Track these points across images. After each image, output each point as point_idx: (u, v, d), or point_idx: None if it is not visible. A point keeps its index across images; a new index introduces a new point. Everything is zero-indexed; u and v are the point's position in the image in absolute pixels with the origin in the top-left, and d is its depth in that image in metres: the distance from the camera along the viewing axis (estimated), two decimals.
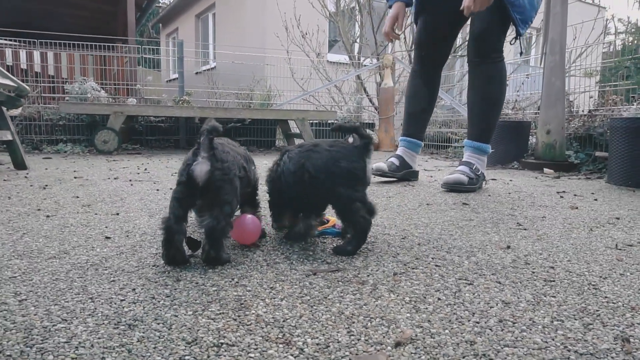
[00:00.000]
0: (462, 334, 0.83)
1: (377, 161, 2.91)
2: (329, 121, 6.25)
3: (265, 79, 7.06)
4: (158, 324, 0.85)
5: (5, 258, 1.22)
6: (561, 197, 2.40)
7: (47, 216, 1.74)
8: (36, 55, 6.63)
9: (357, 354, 0.75)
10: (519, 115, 4.93)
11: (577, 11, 5.39)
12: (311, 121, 5.80)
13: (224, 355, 0.74)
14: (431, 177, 3.25)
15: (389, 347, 0.78)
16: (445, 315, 0.91)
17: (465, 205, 2.12)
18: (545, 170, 3.62)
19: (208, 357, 0.73)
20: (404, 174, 2.90)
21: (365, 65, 7.55)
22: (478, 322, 0.88)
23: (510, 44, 2.60)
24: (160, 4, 16.21)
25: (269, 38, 8.72)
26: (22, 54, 6.56)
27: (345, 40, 7.69)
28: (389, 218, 1.81)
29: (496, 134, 4.10)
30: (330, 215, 1.50)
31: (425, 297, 1.00)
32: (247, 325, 0.85)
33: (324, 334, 0.82)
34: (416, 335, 0.82)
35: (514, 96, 5.07)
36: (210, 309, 0.91)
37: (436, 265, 1.22)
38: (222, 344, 0.78)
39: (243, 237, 1.37)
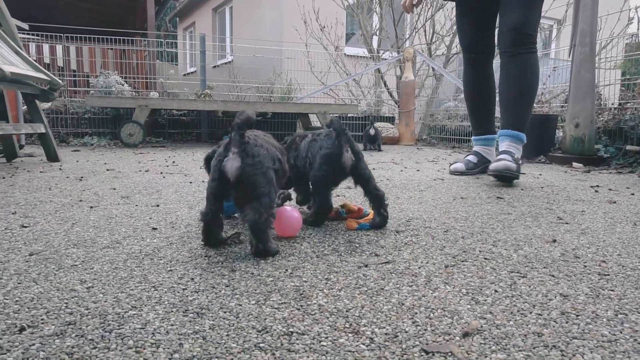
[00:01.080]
0: (527, 325, 0.83)
1: (454, 162, 2.97)
2: (349, 114, 6.24)
3: (285, 73, 7.07)
4: (225, 312, 0.86)
5: (62, 247, 1.25)
6: (596, 191, 2.37)
7: (91, 207, 1.78)
8: (59, 49, 6.73)
9: (427, 344, 0.76)
10: (545, 108, 4.86)
11: (601, 3, 5.27)
12: (332, 115, 5.80)
13: (297, 344, 0.75)
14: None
15: (457, 338, 0.78)
16: (506, 307, 0.91)
17: (500, 199, 2.11)
18: (574, 164, 3.57)
19: (281, 344, 0.75)
20: (482, 168, 2.95)
21: (384, 59, 7.50)
22: (540, 314, 0.88)
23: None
24: None
25: (286, 31, 8.71)
26: (45, 48, 6.67)
27: (364, 33, 7.64)
28: (427, 211, 1.81)
29: None
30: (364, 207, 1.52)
31: (481, 289, 1.00)
32: (312, 314, 0.86)
33: (389, 324, 0.83)
34: (481, 327, 0.82)
35: (540, 89, 4.98)
36: (271, 299, 0.93)
37: (485, 259, 1.22)
38: (292, 332, 0.79)
39: (284, 229, 1.38)
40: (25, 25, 4.09)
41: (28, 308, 0.86)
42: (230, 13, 12.41)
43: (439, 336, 0.79)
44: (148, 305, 0.89)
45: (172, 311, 0.86)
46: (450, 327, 0.82)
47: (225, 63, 10.48)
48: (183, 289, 0.97)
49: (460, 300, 0.94)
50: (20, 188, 2.16)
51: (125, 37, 6.42)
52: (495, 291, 0.99)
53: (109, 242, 1.30)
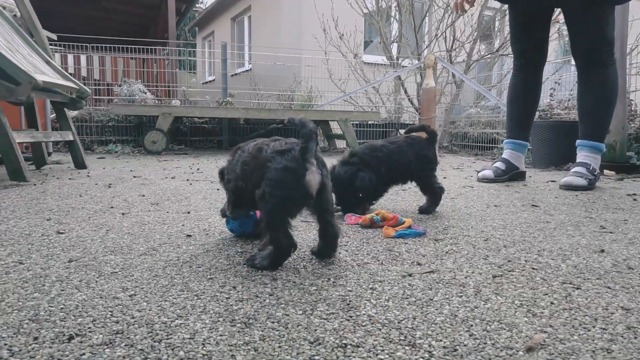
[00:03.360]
0: (593, 340, 0.78)
1: (482, 170, 2.92)
2: (370, 122, 6.21)
3: (304, 80, 7.08)
4: (273, 322, 0.84)
5: (100, 254, 1.24)
6: (634, 199, 2.29)
7: (123, 214, 1.78)
8: (83, 59, 6.87)
9: (490, 358, 0.72)
10: (571, 115, 4.76)
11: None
12: (353, 122, 5.77)
13: (353, 356, 0.72)
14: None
15: (521, 352, 0.74)
16: (566, 320, 0.86)
17: (535, 207, 2.05)
18: (606, 172, 3.47)
19: (337, 357, 0.72)
20: (511, 176, 2.91)
21: (404, 66, 7.46)
22: (605, 329, 0.83)
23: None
24: (197, 8, 16.54)
25: (305, 39, 8.75)
26: (70, 58, 6.82)
27: (384, 40, 7.62)
28: (462, 219, 1.77)
29: (549, 135, 3.98)
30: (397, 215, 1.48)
31: (535, 301, 0.95)
32: (363, 326, 0.83)
33: (446, 337, 0.79)
34: (544, 341, 0.78)
35: (567, 95, 4.89)
36: (318, 309, 0.90)
37: (533, 268, 1.17)
38: (345, 344, 0.76)
39: None
40: (53, 36, 4.18)
41: (74, 316, 0.85)
42: (249, 22, 12.54)
43: (501, 350, 0.75)
44: (194, 314, 0.87)
45: (218, 321, 0.84)
46: (510, 341, 0.78)
47: (244, 71, 10.57)
48: (227, 298, 0.95)
49: (515, 312, 0.90)
50: (51, 195, 2.18)
51: (147, 47, 6.51)
52: (551, 303, 0.95)
53: (146, 249, 1.29)
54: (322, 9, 7.92)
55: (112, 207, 1.90)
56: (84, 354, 0.71)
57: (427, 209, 1.86)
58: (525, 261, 1.23)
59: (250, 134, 5.79)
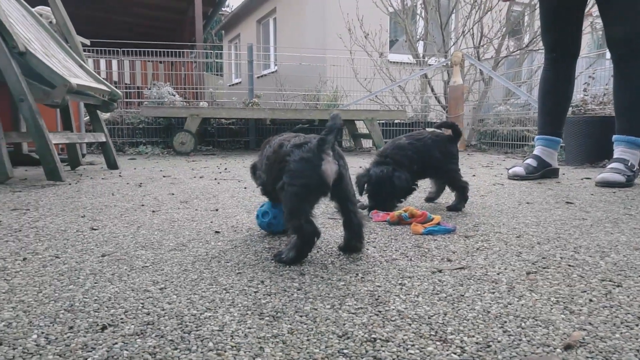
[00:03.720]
0: (637, 339, 0.75)
1: (513, 167, 2.85)
2: (396, 121, 6.16)
3: (329, 80, 7.08)
4: (301, 316, 0.83)
5: (131, 249, 1.27)
6: None
7: (153, 211, 1.81)
8: (114, 63, 7.07)
9: (525, 355, 0.70)
10: (607, 110, 4.59)
11: None
12: (379, 121, 5.73)
13: (382, 351, 0.71)
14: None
15: (558, 350, 0.71)
16: (607, 318, 0.83)
17: (570, 204, 1.98)
18: None
19: (366, 351, 0.71)
20: (543, 173, 2.84)
21: (431, 64, 7.36)
22: None
23: None
24: (223, 12, 16.80)
25: (330, 39, 8.75)
26: (102, 63, 7.03)
27: (409, 38, 7.54)
28: (493, 216, 1.72)
29: (583, 130, 3.85)
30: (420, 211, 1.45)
31: (573, 298, 0.92)
32: (392, 320, 0.82)
33: (478, 333, 0.77)
34: (584, 339, 0.75)
35: (602, 90, 4.72)
36: (347, 303, 0.89)
37: (569, 265, 1.13)
38: (375, 339, 0.75)
39: None
40: (87, 42, 4.31)
41: (107, 307, 0.86)
42: (274, 24, 12.64)
43: (537, 347, 0.72)
44: (222, 307, 0.87)
45: (247, 314, 0.84)
46: (547, 338, 0.75)
47: (271, 73, 10.66)
48: (255, 292, 0.95)
49: (551, 309, 0.87)
50: (85, 194, 2.25)
51: (175, 50, 6.64)
52: (590, 300, 0.91)
53: (175, 245, 1.31)
54: (347, 8, 7.90)
55: (142, 205, 1.94)
56: (116, 343, 0.72)
57: (457, 206, 1.83)
58: (561, 258, 1.19)
59: (274, 135, 5.83)
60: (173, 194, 2.25)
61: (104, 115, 4.97)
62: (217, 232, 1.48)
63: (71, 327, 0.78)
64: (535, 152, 2.89)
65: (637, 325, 0.80)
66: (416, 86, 7.65)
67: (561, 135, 2.87)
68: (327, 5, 9.39)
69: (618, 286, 0.99)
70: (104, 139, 3.29)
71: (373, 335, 0.76)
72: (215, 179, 2.89)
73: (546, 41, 2.81)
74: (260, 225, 1.44)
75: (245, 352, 0.70)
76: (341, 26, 7.85)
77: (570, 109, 4.50)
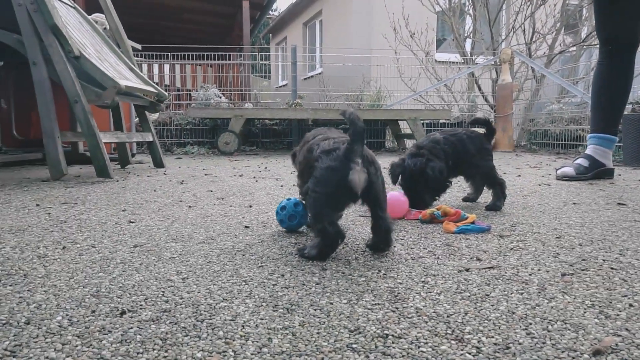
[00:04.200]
0: None
1: (562, 167, 2.72)
2: (441, 121, 6.01)
3: (373, 80, 7.02)
4: (315, 310, 0.82)
5: (163, 241, 1.31)
6: None
7: (189, 207, 1.87)
8: (167, 68, 7.37)
9: (547, 359, 0.65)
10: None
11: None
12: (423, 121, 5.61)
13: (393, 347, 0.68)
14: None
15: (586, 355, 0.66)
16: None
17: (622, 205, 1.84)
18: None
19: (375, 347, 0.69)
20: (596, 173, 2.66)
21: (477, 64, 7.13)
22: None
23: None
24: (270, 15, 17.11)
25: (375, 39, 8.68)
26: (155, 68, 7.34)
27: (456, 36, 7.34)
28: (533, 217, 1.63)
29: (633, 130, 3.58)
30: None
31: (611, 302, 0.85)
32: (409, 317, 0.79)
33: (499, 334, 0.72)
34: (617, 345, 0.69)
35: None
36: (364, 299, 0.87)
37: (612, 268, 1.05)
38: (387, 335, 0.72)
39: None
40: (138, 46, 4.53)
41: (129, 294, 0.89)
42: (320, 26, 12.71)
43: (562, 352, 0.67)
44: (239, 298, 0.88)
45: (262, 305, 0.84)
46: (575, 343, 0.70)
47: (317, 74, 10.72)
48: (273, 285, 0.95)
49: (584, 312, 0.80)
50: (130, 190, 2.35)
51: (222, 53, 6.82)
52: (630, 305, 0.84)
53: (204, 238, 1.34)
54: (392, 8, 7.81)
55: (180, 201, 2.01)
56: (131, 327, 0.75)
57: (496, 204, 1.76)
58: (604, 260, 1.11)
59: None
60: (211, 191, 2.31)
61: (153, 116, 5.20)
62: (246, 227, 1.49)
63: (94, 311, 0.81)
64: (588, 151, 2.71)
65: None
66: (463, 85, 7.43)
67: (616, 134, 2.67)
68: (373, 6, 9.32)
69: None
70: (151, 139, 3.44)
71: (385, 332, 0.73)
72: (254, 177, 2.93)
73: (600, 34, 2.63)
74: (280, 221, 1.44)
75: (253, 341, 0.70)
76: (387, 26, 7.77)
77: (629, 105, 4.20)
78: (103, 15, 3.75)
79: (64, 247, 1.23)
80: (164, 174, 3.14)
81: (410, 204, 1.72)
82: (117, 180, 2.72)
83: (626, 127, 3.66)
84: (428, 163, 1.68)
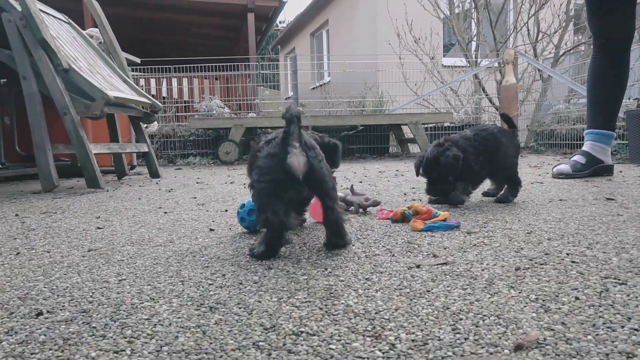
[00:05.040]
0: (613, 342, 0.62)
1: (558, 164, 2.64)
2: (445, 124, 5.93)
3: (375, 86, 6.99)
4: (239, 308, 0.79)
5: (120, 245, 1.29)
6: None
7: (165, 213, 1.85)
8: (174, 81, 7.46)
9: (462, 355, 0.60)
10: None
11: None
12: (425, 125, 5.54)
13: (302, 344, 0.64)
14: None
15: (506, 351, 0.61)
16: (587, 318, 0.70)
17: (611, 200, 1.76)
18: None
19: (284, 344, 0.64)
20: (593, 170, 2.57)
21: (480, 66, 7.03)
22: (637, 330, 0.65)
23: None
24: (279, 27, 17.27)
25: (380, 45, 8.66)
26: (163, 82, 7.44)
27: (459, 40, 7.27)
28: (512, 213, 1.57)
29: (638, 126, 3.46)
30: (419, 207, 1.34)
31: (557, 296, 0.79)
32: (334, 315, 0.74)
33: (422, 330, 0.68)
34: (545, 339, 0.63)
35: None
36: (296, 297, 0.83)
37: (573, 262, 0.98)
38: (301, 332, 0.68)
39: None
40: (137, 60, 4.59)
41: (57, 296, 0.87)
42: (327, 36, 12.77)
43: (482, 347, 0.62)
44: (166, 298, 0.84)
45: (186, 305, 0.81)
46: (500, 338, 0.64)
47: (324, 84, 10.75)
48: (209, 284, 0.92)
49: (524, 307, 0.75)
50: (115, 199, 2.35)
51: (230, 63, 6.87)
52: (576, 298, 0.78)
53: (163, 241, 1.32)
54: (396, 14, 7.79)
55: (159, 208, 1.99)
56: (40, 328, 0.72)
57: (507, 198, 1.82)
58: (567, 254, 1.04)
59: None
60: (195, 198, 2.30)
61: (153, 128, 5.25)
62: (211, 230, 1.47)
63: (12, 313, 0.79)
64: (584, 147, 2.61)
65: (622, 326, 0.67)
66: (469, 89, 7.33)
67: (614, 129, 2.58)
68: (378, 13, 9.32)
69: (621, 284, 0.84)
70: (146, 149, 3.46)
71: (301, 329, 0.69)
72: (244, 184, 2.92)
73: (592, 25, 2.55)
74: (240, 219, 1.43)
75: (157, 340, 0.67)
76: (392, 32, 7.74)
77: (635, 101, 4.08)
78: (97, 30, 3.82)
79: (17, 253, 1.22)
80: (157, 183, 3.15)
81: (430, 191, 1.73)
82: (107, 190, 2.73)
83: (631, 123, 3.54)
84: (444, 152, 1.65)
